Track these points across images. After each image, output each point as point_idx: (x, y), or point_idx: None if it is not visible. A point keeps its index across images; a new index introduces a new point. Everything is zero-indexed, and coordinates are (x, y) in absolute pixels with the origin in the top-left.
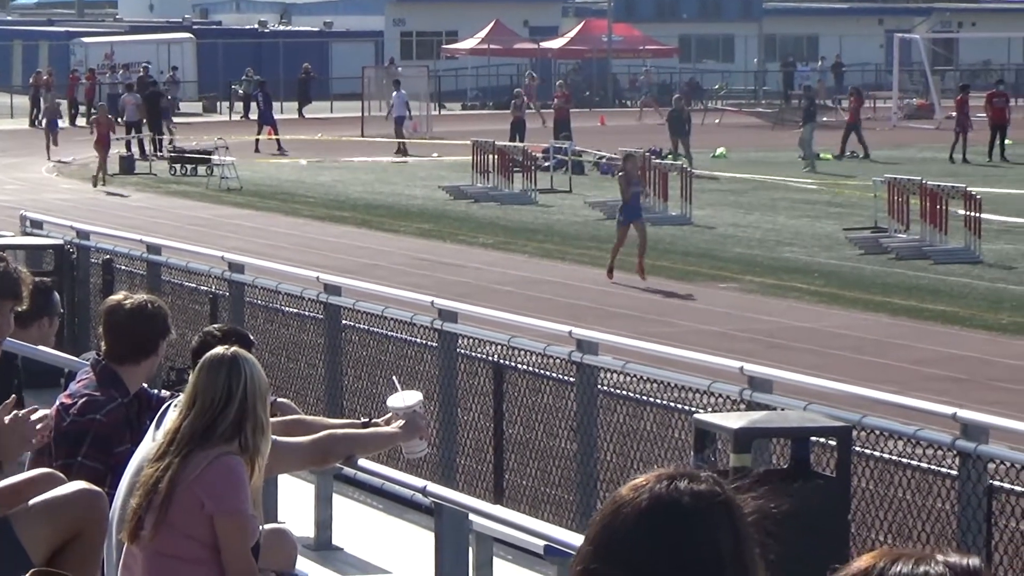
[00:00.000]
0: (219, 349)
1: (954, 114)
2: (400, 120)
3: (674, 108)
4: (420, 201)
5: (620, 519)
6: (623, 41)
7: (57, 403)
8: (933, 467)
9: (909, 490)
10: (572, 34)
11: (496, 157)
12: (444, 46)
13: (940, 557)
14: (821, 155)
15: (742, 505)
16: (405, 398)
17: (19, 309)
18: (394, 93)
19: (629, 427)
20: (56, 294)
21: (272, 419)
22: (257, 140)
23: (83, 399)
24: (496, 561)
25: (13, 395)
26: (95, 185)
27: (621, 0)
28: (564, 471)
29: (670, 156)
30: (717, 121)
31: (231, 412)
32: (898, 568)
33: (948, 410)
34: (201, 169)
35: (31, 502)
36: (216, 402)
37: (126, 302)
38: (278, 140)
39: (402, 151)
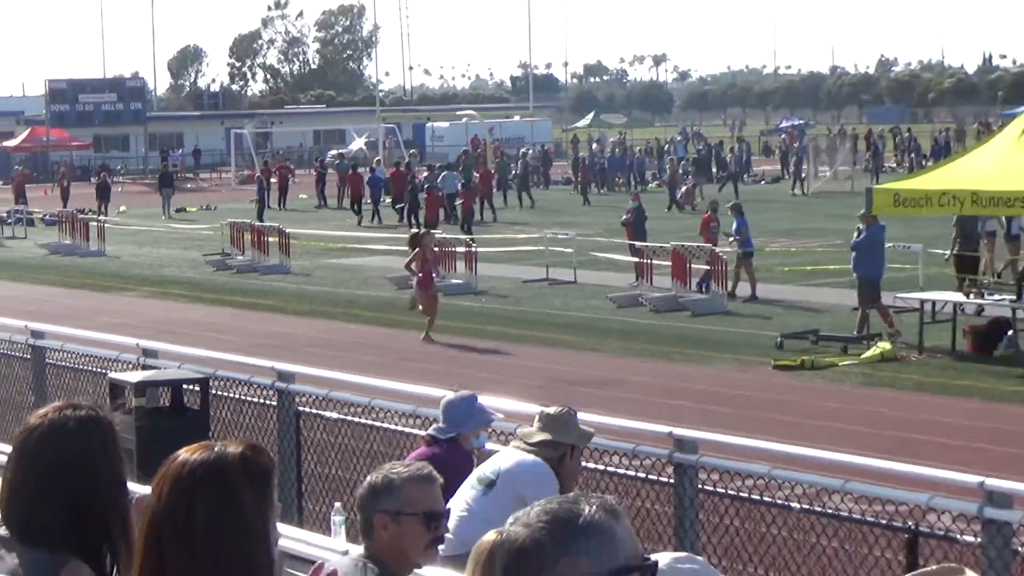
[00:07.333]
0: None
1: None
2: None
3: (100, 181)
4: None
5: (31, 437)
6: (57, 140)
7: None
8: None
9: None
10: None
11: None
12: None
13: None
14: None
15: (114, 425)
16: None
17: None
18: None
19: (60, 386)
20: None
21: None
22: None
23: None
24: None
25: None
26: None
27: (55, 112)
28: None
29: (92, 212)
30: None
31: None
32: None
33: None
34: None
35: None
36: None
37: None
38: None
39: None
